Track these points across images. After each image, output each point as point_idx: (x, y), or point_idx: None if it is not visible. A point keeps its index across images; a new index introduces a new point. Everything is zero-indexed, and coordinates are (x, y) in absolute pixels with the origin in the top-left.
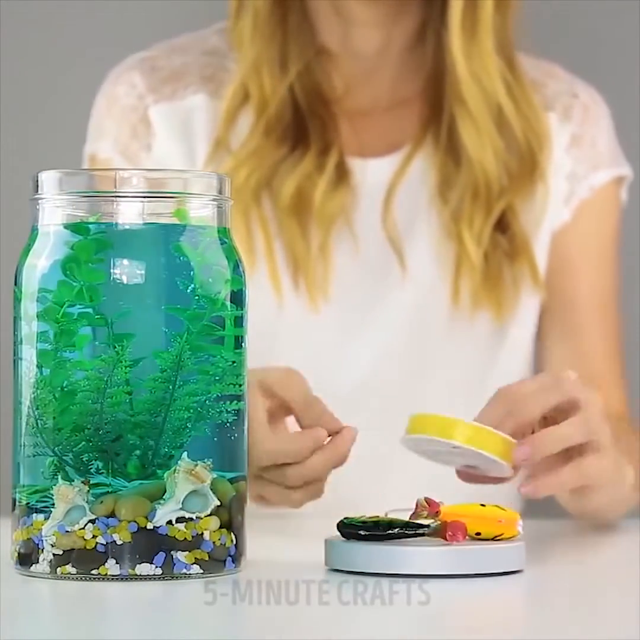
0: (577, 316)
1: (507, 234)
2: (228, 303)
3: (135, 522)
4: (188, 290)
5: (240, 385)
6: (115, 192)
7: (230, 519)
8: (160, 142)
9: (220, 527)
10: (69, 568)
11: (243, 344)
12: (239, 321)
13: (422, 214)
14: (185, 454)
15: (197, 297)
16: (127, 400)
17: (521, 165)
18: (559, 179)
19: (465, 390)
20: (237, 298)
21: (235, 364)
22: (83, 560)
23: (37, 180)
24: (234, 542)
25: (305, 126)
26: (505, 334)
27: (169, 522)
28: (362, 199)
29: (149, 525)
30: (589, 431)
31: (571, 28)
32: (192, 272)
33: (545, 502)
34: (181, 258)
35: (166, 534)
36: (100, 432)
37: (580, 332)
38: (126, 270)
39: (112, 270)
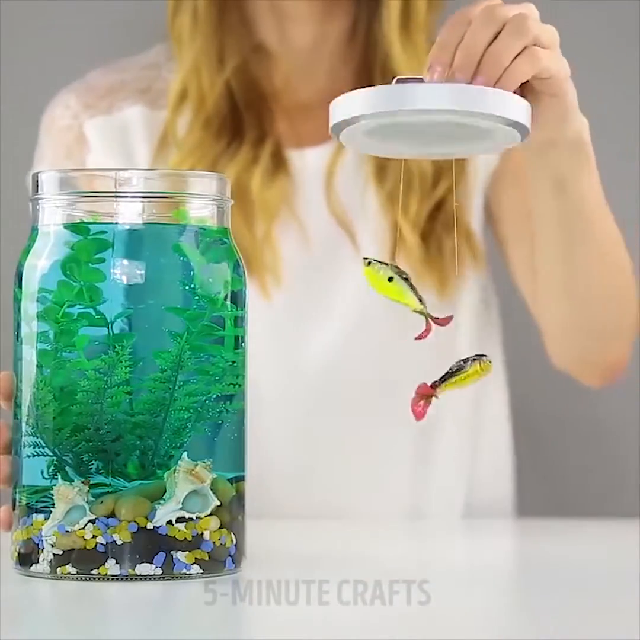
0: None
1: (442, 210)
2: (228, 303)
3: (135, 522)
4: (188, 290)
5: (240, 385)
6: (115, 192)
7: (230, 519)
8: (96, 156)
9: (221, 527)
10: (69, 568)
11: (243, 344)
12: (239, 321)
13: (360, 198)
14: (185, 454)
15: (197, 297)
16: (127, 400)
17: None
18: None
19: (427, 363)
20: (237, 298)
21: (235, 364)
22: (83, 560)
23: (37, 181)
24: (234, 542)
25: (242, 120)
26: (455, 304)
27: (169, 522)
28: (304, 186)
29: (149, 525)
30: (528, 31)
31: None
32: (192, 272)
33: (543, 502)
34: (181, 258)
35: (166, 534)
36: (100, 432)
37: None
38: (126, 270)
39: (112, 270)
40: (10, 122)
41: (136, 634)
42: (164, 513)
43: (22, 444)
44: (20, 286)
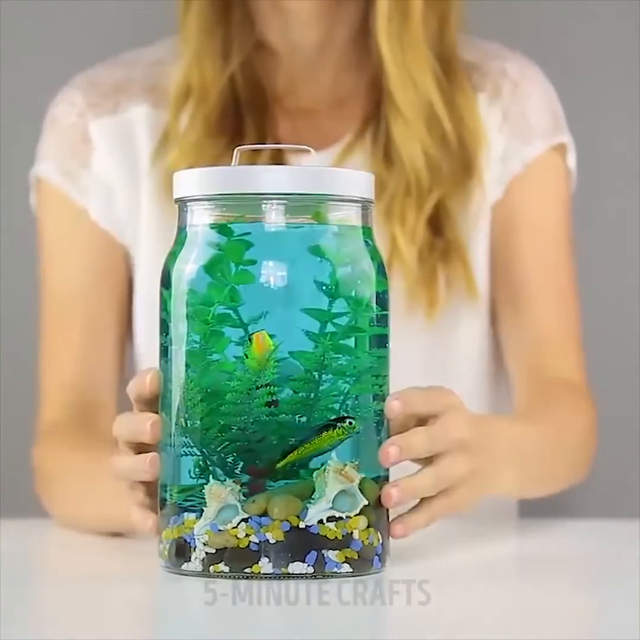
0: (521, 282)
1: (442, 237)
2: (373, 304)
3: (288, 521)
4: (332, 291)
5: (382, 385)
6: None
7: (376, 518)
8: (101, 156)
9: (368, 526)
10: (222, 566)
11: (387, 345)
12: (383, 322)
13: None
14: (334, 454)
15: (341, 298)
16: (272, 401)
17: (452, 161)
18: (491, 161)
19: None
20: (381, 299)
21: (377, 365)
22: (236, 559)
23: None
24: (381, 541)
25: (243, 120)
26: (441, 333)
27: (320, 521)
28: None
29: (301, 525)
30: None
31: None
32: (336, 274)
33: (543, 502)
34: (325, 259)
35: (318, 533)
36: (246, 432)
37: (527, 297)
38: (271, 272)
39: (258, 272)
40: (10, 120)
41: (136, 634)
42: (316, 512)
43: (171, 444)
44: (168, 287)
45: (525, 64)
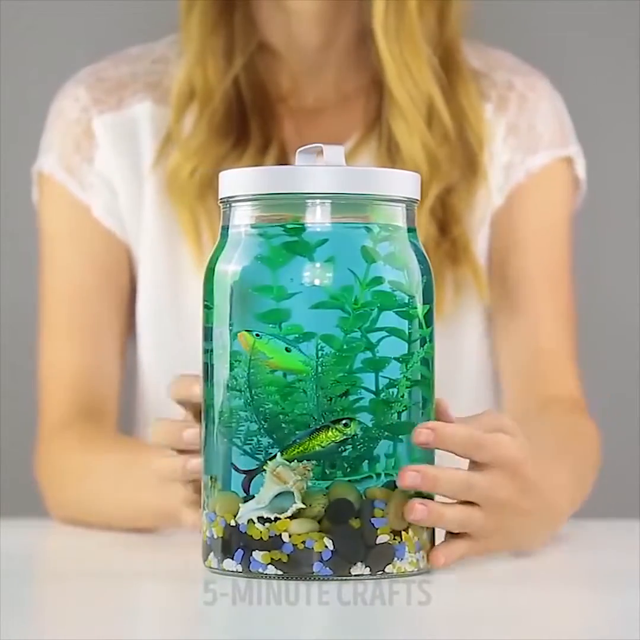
0: (522, 293)
1: (448, 236)
2: (418, 305)
3: (224, 518)
4: (378, 291)
5: (429, 388)
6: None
7: (331, 523)
8: (104, 153)
9: (319, 531)
10: (202, 560)
11: (431, 344)
12: (427, 322)
13: None
14: (279, 454)
15: (385, 298)
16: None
17: (454, 156)
18: (495, 170)
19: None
20: (427, 297)
21: (424, 365)
22: (203, 552)
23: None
24: (331, 547)
25: (248, 122)
26: (449, 333)
27: (251, 521)
28: None
29: (233, 522)
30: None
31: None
32: (382, 273)
33: None
34: (372, 258)
35: (245, 532)
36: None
37: (527, 309)
38: (317, 273)
39: (302, 273)
40: (10, 115)
41: (136, 634)
42: (245, 511)
43: (214, 443)
44: (210, 286)
45: (533, 76)
